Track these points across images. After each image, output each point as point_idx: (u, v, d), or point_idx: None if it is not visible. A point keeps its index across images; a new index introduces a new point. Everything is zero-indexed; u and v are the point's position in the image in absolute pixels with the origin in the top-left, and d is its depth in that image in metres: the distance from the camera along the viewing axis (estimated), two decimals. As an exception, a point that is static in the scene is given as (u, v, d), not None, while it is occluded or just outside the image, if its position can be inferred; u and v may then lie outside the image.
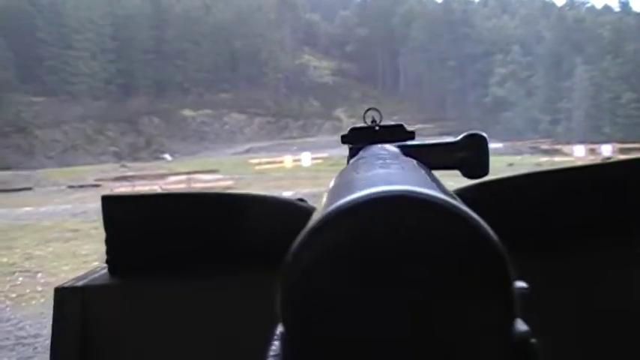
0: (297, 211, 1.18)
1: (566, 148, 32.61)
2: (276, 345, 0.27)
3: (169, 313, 1.13)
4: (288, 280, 0.26)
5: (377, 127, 0.86)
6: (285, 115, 58.14)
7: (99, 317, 1.12)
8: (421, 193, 0.26)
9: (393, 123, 0.86)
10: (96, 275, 1.17)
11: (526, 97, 55.49)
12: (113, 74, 53.65)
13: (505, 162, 22.15)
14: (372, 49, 64.64)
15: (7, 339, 5.30)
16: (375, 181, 0.30)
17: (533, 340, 0.26)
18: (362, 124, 0.88)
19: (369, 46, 64.97)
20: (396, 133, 0.85)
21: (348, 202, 0.26)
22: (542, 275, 1.02)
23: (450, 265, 0.25)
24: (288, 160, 27.94)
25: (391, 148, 0.73)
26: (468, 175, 0.83)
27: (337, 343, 0.25)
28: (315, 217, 0.27)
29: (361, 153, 0.71)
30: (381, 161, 0.43)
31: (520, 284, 0.26)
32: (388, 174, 0.36)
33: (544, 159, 26.87)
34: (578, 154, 27.69)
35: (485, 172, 0.83)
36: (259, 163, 28.28)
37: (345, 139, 0.87)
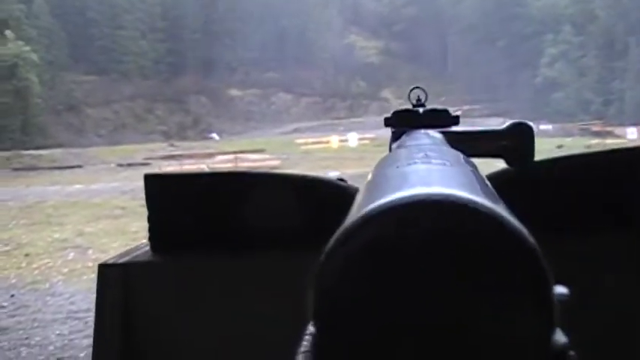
0: (338, 190, 1.19)
1: (618, 130, 31.98)
2: (307, 341, 0.27)
3: (209, 288, 1.15)
4: (322, 280, 0.26)
5: (420, 111, 0.83)
6: (331, 95, 58.00)
7: (140, 293, 1.14)
8: (461, 198, 0.25)
9: (437, 107, 0.83)
10: (138, 252, 1.20)
11: (577, 77, 54.34)
12: (162, 53, 54.14)
13: (554, 144, 21.78)
14: (420, 28, 63.90)
15: (60, 313, 5.43)
16: (414, 179, 0.29)
17: (572, 353, 0.25)
18: (406, 107, 0.87)
19: (417, 26, 64.24)
20: (440, 118, 0.83)
21: (384, 205, 0.25)
22: (581, 256, 1.02)
23: (489, 274, 0.24)
24: (334, 141, 27.93)
25: (435, 134, 0.71)
26: (511, 164, 0.83)
27: (370, 346, 0.25)
28: (351, 217, 0.26)
29: (404, 137, 0.71)
30: (422, 154, 0.42)
31: (561, 290, 0.26)
32: (429, 171, 0.34)
33: (595, 141, 26.36)
34: (631, 137, 27.14)
35: (530, 162, 0.84)
36: (305, 143, 28.30)
37: (388, 122, 0.86)
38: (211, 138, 42.75)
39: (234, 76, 56.18)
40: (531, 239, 0.25)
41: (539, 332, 0.24)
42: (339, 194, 1.13)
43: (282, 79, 56.61)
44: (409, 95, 0.88)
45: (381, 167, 0.41)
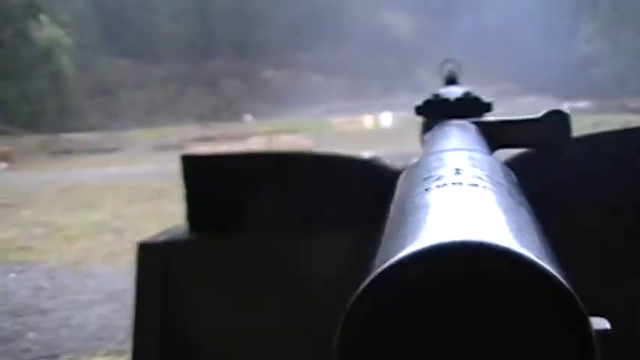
0: (372, 169, 1.18)
1: (656, 107, 31.41)
2: None
3: (246, 267, 1.15)
4: (350, 323, 0.25)
5: (452, 100, 0.81)
6: (365, 75, 57.71)
7: (179, 271, 1.15)
8: (494, 246, 0.24)
9: (469, 95, 0.81)
10: (176, 231, 1.20)
11: (614, 54, 53.37)
12: (194, 36, 54.29)
13: (591, 121, 21.45)
14: (456, 6, 63.19)
15: (99, 294, 5.50)
16: (444, 217, 0.28)
17: None
18: (437, 92, 0.84)
19: (454, 4, 63.53)
20: (472, 107, 0.80)
21: (412, 254, 0.25)
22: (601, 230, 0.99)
23: (525, 326, 0.24)
24: (368, 121, 27.83)
25: (468, 125, 0.70)
26: (547, 154, 0.82)
27: None
28: (379, 262, 0.26)
29: (436, 129, 0.69)
30: (453, 169, 0.40)
31: (602, 324, 0.25)
32: (460, 204, 0.32)
33: (633, 117, 25.90)
34: (670, 112, 26.60)
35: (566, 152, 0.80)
36: (339, 124, 28.24)
37: (418, 111, 0.84)
38: (244, 120, 42.85)
39: (267, 58, 56.15)
40: (573, 291, 0.24)
41: None
42: (375, 174, 1.13)
43: (315, 59, 56.44)
44: (441, 68, 0.86)
45: (410, 183, 0.40)
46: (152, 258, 1.16)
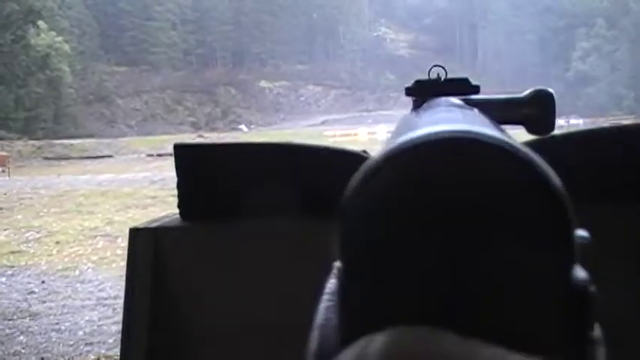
0: (362, 162, 1.21)
1: (650, 126, 31.44)
2: (332, 283, 0.27)
3: (236, 252, 1.18)
4: (347, 218, 0.26)
5: (441, 80, 0.83)
6: (360, 88, 57.86)
7: (169, 256, 1.18)
8: (485, 134, 0.25)
9: (458, 76, 0.83)
10: (168, 219, 1.23)
11: (610, 72, 53.60)
12: (192, 45, 54.38)
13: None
14: (451, 21, 63.51)
15: (89, 299, 5.50)
16: (437, 122, 0.29)
17: (592, 288, 0.25)
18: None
19: (448, 19, 63.84)
20: (460, 87, 0.83)
21: (408, 142, 0.25)
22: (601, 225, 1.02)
23: (511, 207, 0.24)
24: (363, 133, 27.87)
25: (455, 100, 0.72)
26: (532, 131, 0.82)
27: (392, 282, 0.25)
28: (376, 156, 0.26)
29: (424, 105, 0.71)
30: (443, 107, 0.42)
31: (582, 233, 0.26)
32: (451, 117, 0.34)
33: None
34: (664, 132, 26.71)
35: (551, 130, 0.82)
36: (334, 135, 28.28)
37: (409, 92, 0.86)
38: (240, 129, 42.89)
39: (264, 68, 56.28)
40: (555, 178, 0.25)
41: (559, 266, 0.24)
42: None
43: (311, 71, 56.56)
44: (429, 73, 0.88)
45: (403, 120, 0.41)
46: (143, 243, 1.18)
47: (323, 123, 43.46)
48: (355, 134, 27.95)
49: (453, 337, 0.24)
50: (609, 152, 1.09)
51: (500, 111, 0.78)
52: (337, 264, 0.26)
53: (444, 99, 0.69)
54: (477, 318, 0.24)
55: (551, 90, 0.81)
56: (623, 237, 1.05)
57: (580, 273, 0.25)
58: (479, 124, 0.30)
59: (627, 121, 35.46)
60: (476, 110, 0.46)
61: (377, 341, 0.24)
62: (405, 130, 0.28)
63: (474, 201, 0.24)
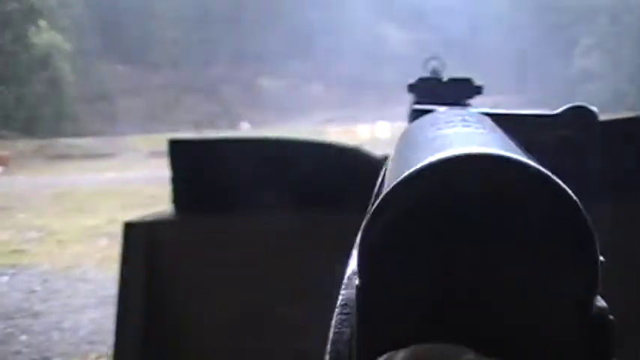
0: (356, 156, 1.19)
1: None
2: (346, 294, 0.27)
3: (229, 247, 1.17)
4: (367, 235, 0.25)
5: (445, 79, 0.81)
6: (362, 86, 57.78)
7: (164, 250, 1.17)
8: (511, 158, 0.25)
9: (461, 76, 0.80)
10: (162, 213, 1.23)
11: (613, 68, 53.46)
12: (193, 43, 54.31)
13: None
14: (451, 19, 63.35)
15: (91, 298, 5.49)
16: (458, 140, 0.29)
17: (611, 317, 0.25)
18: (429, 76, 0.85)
19: (448, 17, 63.68)
20: (463, 87, 0.80)
21: (433, 162, 0.25)
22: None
23: (537, 234, 0.24)
24: (364, 130, 27.84)
25: (480, 115, 0.66)
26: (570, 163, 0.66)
27: (414, 300, 0.25)
28: (399, 174, 0.26)
29: (443, 116, 0.67)
30: (460, 118, 0.41)
31: (600, 258, 0.25)
32: (471, 134, 0.34)
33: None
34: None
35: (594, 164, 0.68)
36: (335, 133, 28.25)
37: (412, 89, 0.84)
38: (241, 127, 42.84)
39: (265, 66, 56.18)
40: (578, 201, 0.24)
41: (583, 294, 0.24)
42: (358, 160, 1.15)
43: (312, 69, 56.47)
44: (425, 65, 0.86)
45: (420, 128, 0.40)
46: (137, 237, 1.18)
47: (325, 120, 43.42)
48: (356, 131, 27.92)
49: (471, 355, 0.23)
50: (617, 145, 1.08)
51: (527, 131, 0.60)
52: (356, 281, 0.26)
53: (465, 112, 0.62)
54: (497, 342, 0.24)
55: (593, 108, 0.66)
56: (624, 232, 1.04)
57: (601, 302, 0.25)
58: (498, 142, 0.30)
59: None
60: (493, 123, 0.44)
61: (398, 357, 0.24)
62: (428, 144, 0.28)
63: (502, 225, 0.24)
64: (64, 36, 41.34)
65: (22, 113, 36.69)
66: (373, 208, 0.25)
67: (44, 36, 39.31)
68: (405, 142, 0.38)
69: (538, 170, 0.25)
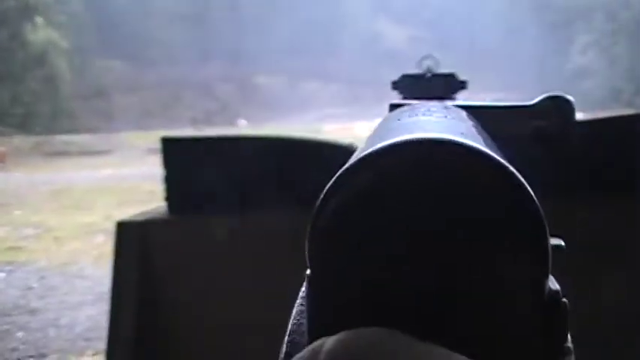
0: (350, 154, 1.20)
1: (649, 119, 31.46)
2: (304, 287, 0.27)
3: (222, 245, 1.17)
4: (316, 222, 0.25)
5: (429, 74, 0.81)
6: (359, 83, 57.75)
7: (157, 249, 1.18)
8: (460, 143, 0.24)
9: (445, 71, 0.80)
10: (155, 212, 1.23)
11: (609, 66, 53.49)
12: (190, 40, 54.26)
13: (584, 132, 21.47)
14: (449, 16, 63.34)
15: (88, 295, 5.49)
16: (413, 128, 0.28)
17: (564, 300, 0.25)
18: (414, 72, 0.85)
19: (446, 14, 63.69)
20: (447, 82, 0.81)
21: (379, 149, 0.25)
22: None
23: (486, 218, 0.24)
24: (362, 127, 27.84)
25: (446, 104, 0.67)
26: (546, 152, 0.64)
27: (361, 287, 0.24)
28: (349, 161, 0.26)
29: (407, 107, 0.67)
30: (425, 109, 0.41)
31: (556, 242, 0.25)
32: (428, 122, 0.34)
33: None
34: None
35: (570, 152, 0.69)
36: (333, 130, 28.25)
37: (395, 86, 0.85)
38: (239, 124, 42.82)
39: (262, 63, 56.14)
40: (529, 188, 0.24)
41: (534, 277, 0.24)
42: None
43: (309, 66, 56.46)
44: (419, 64, 0.86)
45: (385, 120, 0.41)
46: (129, 236, 1.19)
47: (322, 118, 43.42)
48: (353, 128, 27.92)
49: (404, 339, 0.23)
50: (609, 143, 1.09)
51: (503, 122, 0.60)
52: (308, 271, 0.26)
53: (432, 103, 0.63)
54: (450, 327, 0.24)
55: (569, 97, 0.63)
56: (620, 229, 1.05)
57: (553, 284, 0.25)
58: (457, 128, 0.30)
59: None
60: (461, 112, 0.44)
61: (328, 342, 0.24)
62: (383, 134, 0.28)
63: (449, 209, 0.24)
64: (61, 33, 41.28)
65: (18, 110, 36.63)
66: (322, 194, 0.25)
67: (40, 33, 39.23)
68: (370, 133, 0.38)
69: (487, 154, 0.24)
